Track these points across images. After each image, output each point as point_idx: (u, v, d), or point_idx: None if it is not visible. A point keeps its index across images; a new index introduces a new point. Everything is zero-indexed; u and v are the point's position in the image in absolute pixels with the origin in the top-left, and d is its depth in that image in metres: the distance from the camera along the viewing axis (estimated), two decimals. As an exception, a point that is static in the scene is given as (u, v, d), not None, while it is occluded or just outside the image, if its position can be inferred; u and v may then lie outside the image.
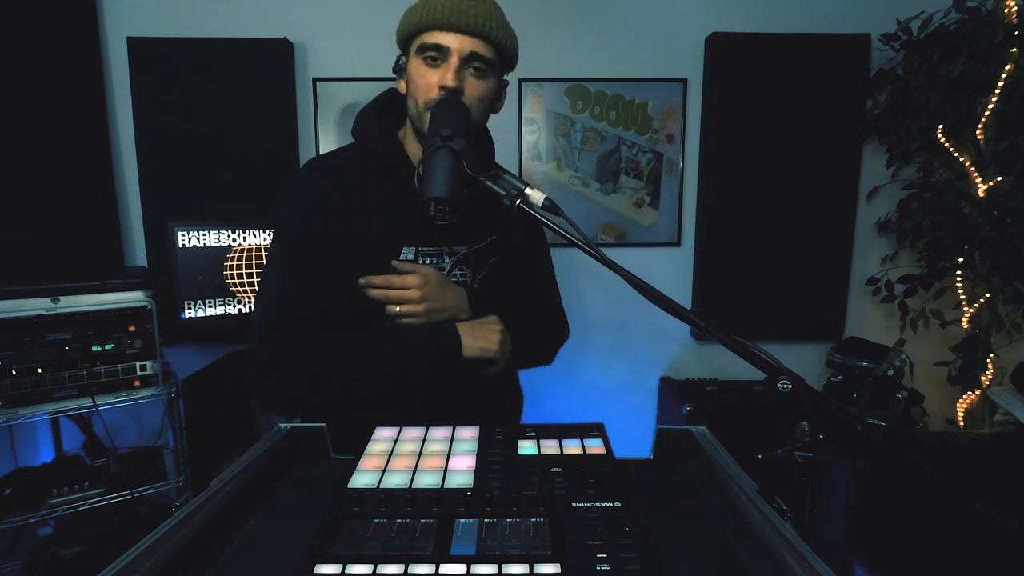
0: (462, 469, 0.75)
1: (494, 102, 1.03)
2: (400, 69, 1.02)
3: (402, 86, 1.03)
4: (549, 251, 1.28)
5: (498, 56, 0.97)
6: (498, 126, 1.14)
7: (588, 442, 0.83)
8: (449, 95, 0.94)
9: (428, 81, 0.94)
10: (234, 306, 2.19)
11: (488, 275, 1.10)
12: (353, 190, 1.03)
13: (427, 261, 1.05)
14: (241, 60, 2.34)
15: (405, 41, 0.99)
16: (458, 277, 1.08)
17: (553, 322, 1.27)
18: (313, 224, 1.00)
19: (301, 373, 0.96)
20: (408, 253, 1.03)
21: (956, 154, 2.28)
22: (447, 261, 1.07)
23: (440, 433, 0.87)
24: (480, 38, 0.93)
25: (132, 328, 1.94)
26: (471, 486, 0.71)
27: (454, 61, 0.92)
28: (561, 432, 0.86)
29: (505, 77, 1.04)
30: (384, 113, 1.08)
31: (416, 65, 0.96)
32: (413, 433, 0.87)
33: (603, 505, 0.66)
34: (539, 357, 1.23)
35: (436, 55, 0.93)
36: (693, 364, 2.66)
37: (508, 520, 0.63)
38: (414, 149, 1.05)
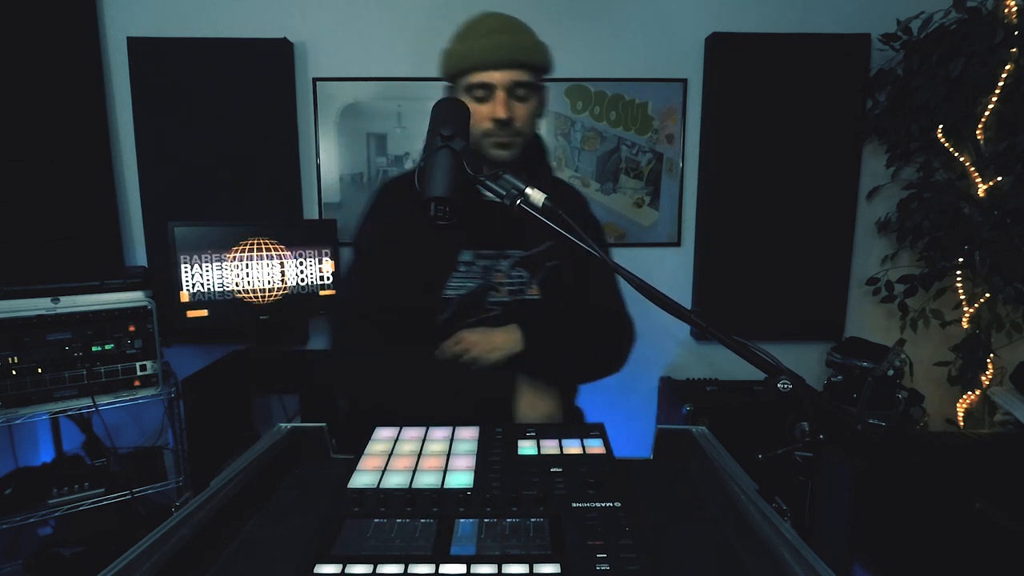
0: (462, 469, 0.75)
1: (540, 112, 1.13)
2: None
3: None
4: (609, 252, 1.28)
5: (537, 76, 1.08)
6: (498, 126, 1.15)
7: (588, 442, 0.83)
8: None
9: (480, 115, 1.06)
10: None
11: (547, 279, 1.15)
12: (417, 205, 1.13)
13: (484, 263, 1.12)
14: (241, 60, 2.35)
15: (451, 79, 1.11)
16: (515, 280, 1.14)
17: (614, 329, 1.28)
18: (380, 239, 1.16)
19: (350, 372, 1.17)
20: (466, 255, 1.12)
21: (956, 154, 2.28)
22: (503, 264, 1.13)
23: (440, 433, 0.87)
24: (518, 68, 1.04)
25: (132, 328, 1.94)
26: (471, 486, 0.71)
27: (500, 95, 1.04)
28: (561, 432, 0.86)
29: (546, 87, 1.13)
30: None
31: (467, 102, 1.05)
32: (413, 433, 0.87)
33: (603, 505, 0.66)
34: (602, 369, 1.26)
35: (483, 92, 1.05)
36: (693, 364, 2.66)
37: (508, 520, 0.63)
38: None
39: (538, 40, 1.09)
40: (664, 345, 2.64)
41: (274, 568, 0.62)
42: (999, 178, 2.20)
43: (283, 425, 0.94)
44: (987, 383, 2.34)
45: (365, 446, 0.83)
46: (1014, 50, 2.06)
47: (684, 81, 2.48)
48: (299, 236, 2.27)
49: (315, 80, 2.44)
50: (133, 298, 1.96)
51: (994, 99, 2.14)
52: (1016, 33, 2.05)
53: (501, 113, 1.04)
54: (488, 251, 1.13)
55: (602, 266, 0.79)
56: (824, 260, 2.54)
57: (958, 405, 2.43)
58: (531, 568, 0.55)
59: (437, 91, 1.12)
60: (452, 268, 1.11)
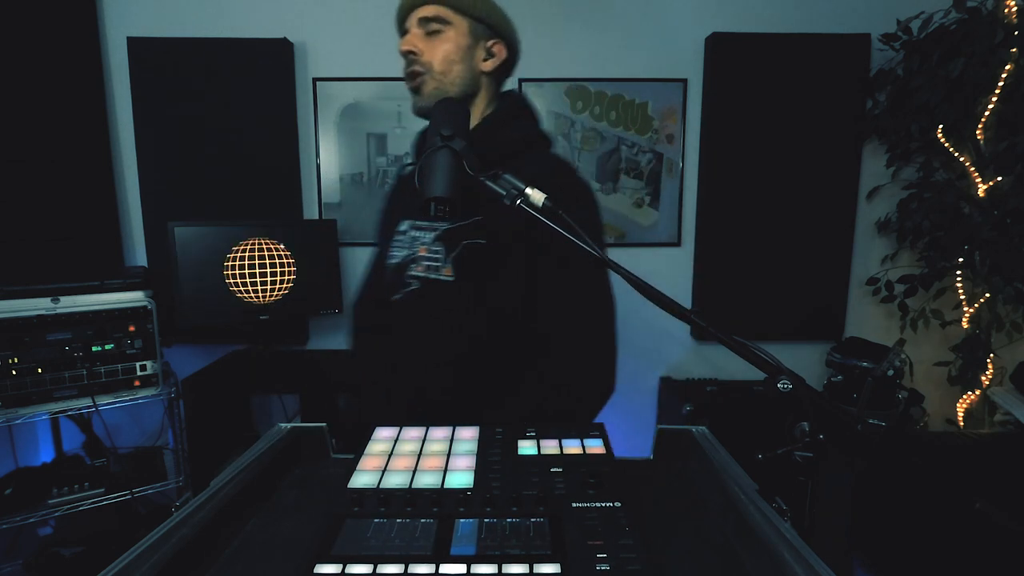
0: (462, 469, 0.75)
1: (472, 61, 1.05)
2: None
3: None
4: (579, 273, 0.99)
5: (455, 12, 1.03)
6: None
7: (588, 442, 0.83)
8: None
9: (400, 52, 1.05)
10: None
11: (464, 257, 1.00)
12: (397, 182, 1.24)
13: (414, 234, 1.07)
14: (241, 60, 2.35)
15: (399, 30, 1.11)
16: (433, 255, 1.02)
17: (553, 379, 1.01)
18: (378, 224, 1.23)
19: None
20: (403, 224, 1.10)
21: (956, 154, 2.28)
22: (428, 236, 1.04)
23: (440, 433, 0.87)
24: (424, 4, 1.02)
25: (132, 328, 1.94)
26: (471, 486, 0.71)
27: (411, 29, 1.04)
28: (561, 432, 0.86)
29: (497, 41, 1.07)
30: None
31: None
32: (413, 433, 0.87)
33: (603, 505, 0.65)
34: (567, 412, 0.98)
35: (405, 32, 1.06)
36: (693, 364, 2.66)
37: (508, 520, 0.63)
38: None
39: None
40: (664, 345, 2.64)
41: (274, 568, 0.62)
42: (999, 178, 2.20)
43: (283, 425, 0.94)
44: (987, 383, 2.34)
45: (365, 446, 0.83)
46: (1014, 50, 2.06)
47: (684, 81, 2.48)
48: (299, 236, 2.27)
49: (315, 80, 2.44)
50: (133, 298, 1.96)
51: (994, 99, 2.14)
52: (1016, 33, 2.05)
53: (403, 45, 1.03)
54: (422, 221, 1.05)
55: (601, 267, 0.77)
56: (824, 260, 2.54)
57: (958, 405, 2.43)
58: (531, 568, 0.55)
59: (437, 91, 1.12)
60: (391, 237, 1.09)
